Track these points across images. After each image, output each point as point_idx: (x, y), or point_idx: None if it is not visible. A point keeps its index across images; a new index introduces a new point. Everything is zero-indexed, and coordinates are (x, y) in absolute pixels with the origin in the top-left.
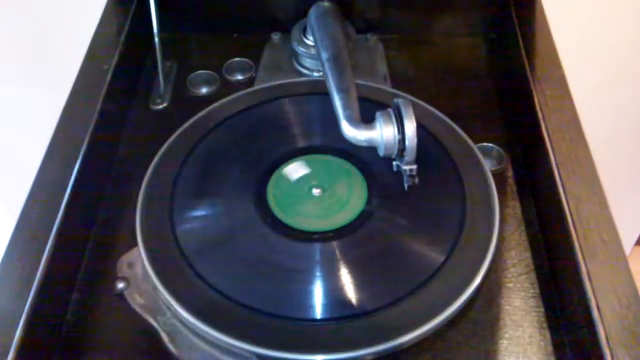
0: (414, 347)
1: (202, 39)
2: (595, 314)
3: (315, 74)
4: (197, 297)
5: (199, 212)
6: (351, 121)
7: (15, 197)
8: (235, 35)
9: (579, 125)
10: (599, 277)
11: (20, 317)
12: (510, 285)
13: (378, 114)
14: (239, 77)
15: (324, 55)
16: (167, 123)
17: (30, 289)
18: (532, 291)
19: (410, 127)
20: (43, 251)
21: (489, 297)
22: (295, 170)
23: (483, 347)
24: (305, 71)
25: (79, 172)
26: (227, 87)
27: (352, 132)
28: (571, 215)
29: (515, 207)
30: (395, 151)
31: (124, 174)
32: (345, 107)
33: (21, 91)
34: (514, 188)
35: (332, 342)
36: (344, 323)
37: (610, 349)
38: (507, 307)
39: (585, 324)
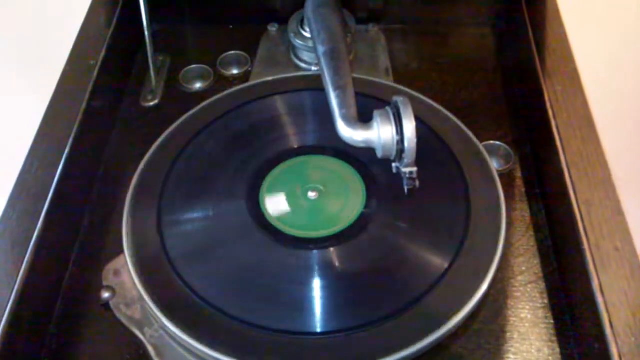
0: None
1: (196, 31)
2: (607, 330)
3: (313, 67)
4: (186, 309)
5: (189, 217)
6: (347, 121)
7: None
8: (231, 26)
9: (591, 122)
10: (612, 290)
11: None
12: (518, 294)
13: (376, 113)
14: (234, 71)
15: (321, 50)
16: (159, 120)
17: (9, 298)
18: (540, 301)
19: (410, 127)
20: (23, 258)
21: (494, 307)
22: (294, 170)
23: (488, 359)
24: (303, 65)
25: (62, 173)
26: (222, 82)
27: (349, 133)
28: (582, 221)
29: (523, 211)
30: (394, 153)
31: (112, 175)
32: (342, 105)
33: (3, 88)
34: (522, 190)
35: (329, 357)
36: (341, 337)
37: None
38: (514, 319)
39: (597, 340)
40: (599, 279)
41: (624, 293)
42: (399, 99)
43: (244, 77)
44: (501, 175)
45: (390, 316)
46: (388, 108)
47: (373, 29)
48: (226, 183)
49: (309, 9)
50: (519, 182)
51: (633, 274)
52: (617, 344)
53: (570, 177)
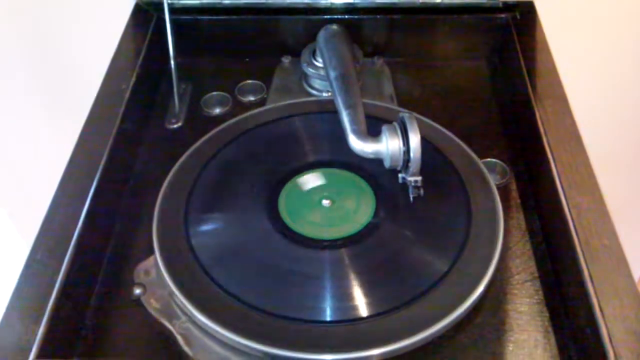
0: (421, 349)
1: (216, 63)
2: (597, 314)
3: (324, 94)
4: (211, 301)
5: (213, 222)
6: (358, 134)
7: (32, 206)
8: (247, 59)
9: (579, 138)
10: (601, 280)
11: (43, 317)
12: (516, 292)
13: (384, 128)
14: (251, 98)
15: (332, 74)
16: (182, 141)
17: (52, 292)
18: (536, 297)
19: (415, 139)
20: (64, 257)
21: (495, 303)
22: (309, 180)
23: (490, 349)
24: (314, 92)
25: (98, 184)
26: (240, 108)
27: (360, 145)
28: (573, 222)
29: (519, 219)
30: (401, 162)
31: (139, 188)
32: (353, 121)
33: (46, 108)
34: (518, 201)
35: (341, 343)
36: (353, 325)
37: (613, 348)
38: (513, 313)
39: (589, 325)
40: (589, 271)
41: (611, 283)
42: (404, 115)
43: (260, 103)
44: (498, 188)
45: (399, 308)
46: (395, 123)
47: (378, 61)
48: (246, 191)
49: (321, 39)
50: (515, 194)
51: (619, 266)
52: (607, 327)
53: (562, 185)
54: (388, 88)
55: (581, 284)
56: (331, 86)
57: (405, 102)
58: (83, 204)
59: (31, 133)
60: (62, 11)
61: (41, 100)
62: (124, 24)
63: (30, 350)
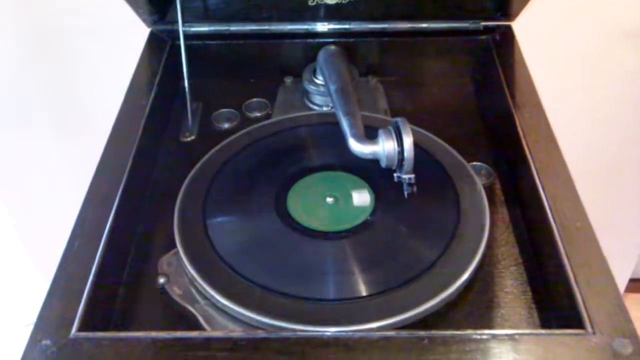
0: (420, 323)
1: (224, 84)
2: (573, 285)
3: (324, 108)
4: (227, 284)
5: (228, 218)
6: (357, 138)
7: (64, 206)
8: (253, 80)
9: (554, 139)
10: (576, 256)
11: (82, 296)
12: (502, 275)
13: (380, 131)
14: (257, 114)
15: (332, 88)
16: (195, 152)
17: (89, 275)
18: (520, 280)
19: (408, 140)
20: (96, 251)
21: (483, 285)
22: (314, 181)
23: (479, 323)
24: (315, 107)
25: (124, 188)
26: (247, 123)
27: (359, 147)
28: (550, 209)
29: (503, 214)
30: (396, 162)
31: (158, 194)
32: (352, 126)
33: (55, 125)
34: (502, 198)
35: (344, 317)
36: (355, 303)
37: (587, 311)
38: (500, 293)
39: (566, 295)
40: (565, 249)
41: (584, 258)
42: (398, 119)
43: (266, 118)
44: (484, 187)
45: (395, 288)
46: (390, 127)
47: (372, 80)
48: (258, 190)
49: (321, 58)
50: (499, 192)
51: (591, 244)
52: (581, 294)
53: (540, 180)
54: (382, 103)
55: (559, 261)
56: (331, 98)
57: (398, 115)
58: (112, 205)
59: (38, 144)
60: (81, 35)
61: (50, 116)
62: (134, 48)
63: (73, 324)
